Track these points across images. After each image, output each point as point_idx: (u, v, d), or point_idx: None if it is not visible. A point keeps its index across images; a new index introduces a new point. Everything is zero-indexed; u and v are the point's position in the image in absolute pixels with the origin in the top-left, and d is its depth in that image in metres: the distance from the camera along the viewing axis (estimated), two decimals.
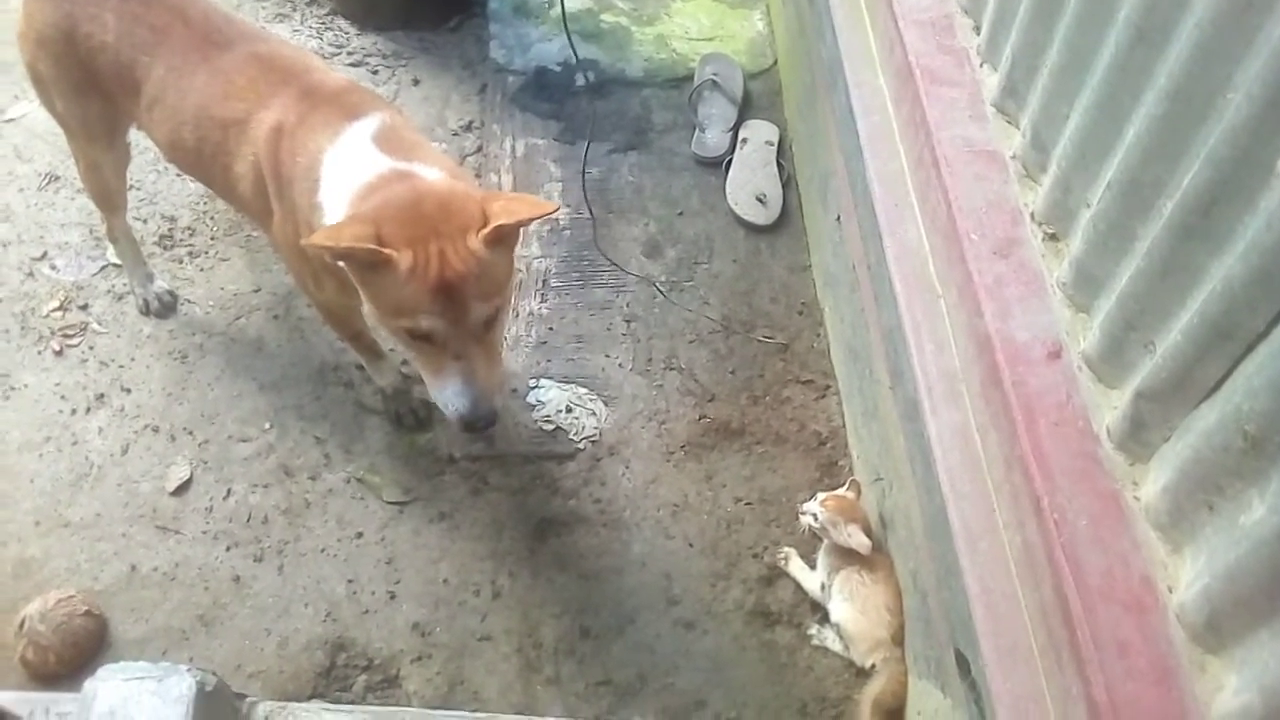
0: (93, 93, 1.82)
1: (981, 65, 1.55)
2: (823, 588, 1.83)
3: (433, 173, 1.46)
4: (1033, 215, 1.37)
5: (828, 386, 2.15)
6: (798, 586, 1.89)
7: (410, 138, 1.58)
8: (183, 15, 1.73)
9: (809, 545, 1.91)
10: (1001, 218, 1.39)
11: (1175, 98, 1.06)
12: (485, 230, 1.35)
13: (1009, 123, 1.47)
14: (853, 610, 1.74)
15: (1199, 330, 1.00)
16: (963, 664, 1.32)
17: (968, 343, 1.35)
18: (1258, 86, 0.91)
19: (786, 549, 1.92)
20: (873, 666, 1.73)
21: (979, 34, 1.56)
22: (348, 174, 1.47)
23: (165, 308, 2.27)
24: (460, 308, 1.38)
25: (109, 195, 2.12)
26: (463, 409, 1.45)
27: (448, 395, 1.46)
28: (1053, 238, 1.35)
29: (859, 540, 1.71)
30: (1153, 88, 1.09)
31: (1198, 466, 1.02)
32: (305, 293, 1.93)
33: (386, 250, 1.31)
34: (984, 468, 1.30)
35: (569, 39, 2.47)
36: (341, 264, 1.41)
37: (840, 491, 1.84)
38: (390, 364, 2.08)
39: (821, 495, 1.84)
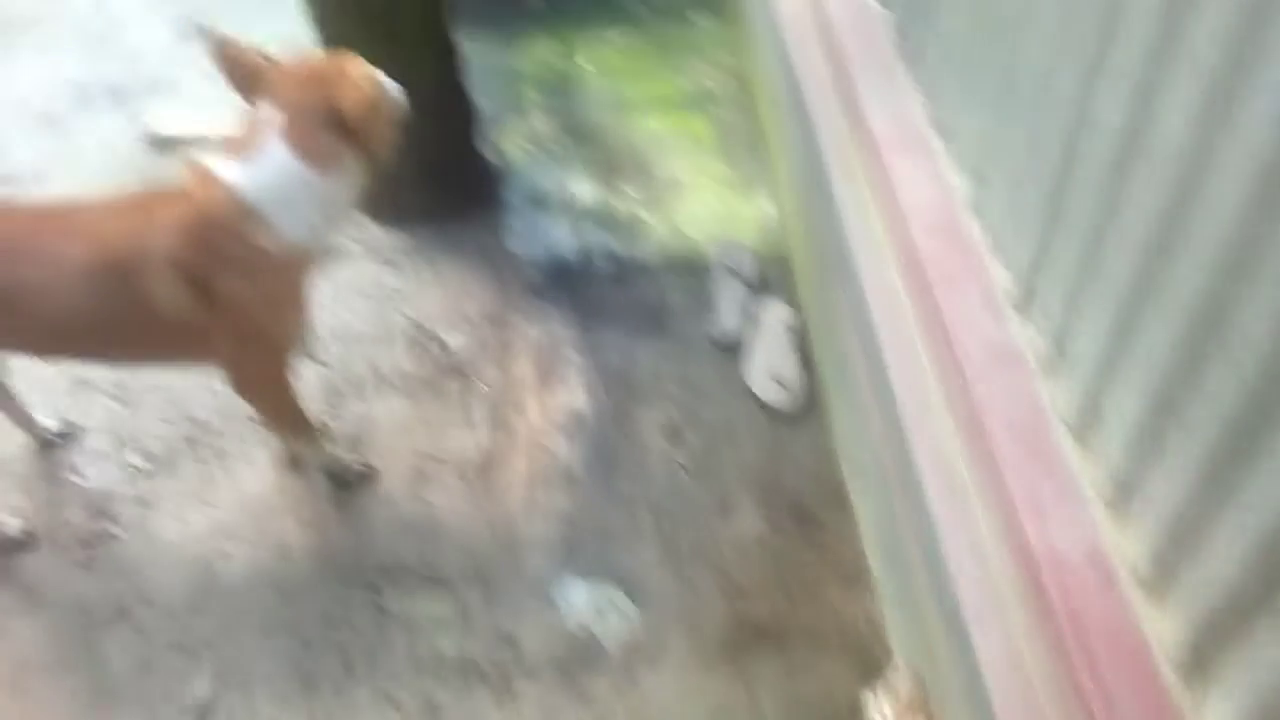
0: None
1: (994, 262, 1.57)
2: None
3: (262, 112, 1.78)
4: (1061, 417, 1.36)
5: (863, 579, 2.09)
6: None
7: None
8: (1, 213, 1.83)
9: None
10: (1030, 420, 1.37)
11: (1198, 313, 1.05)
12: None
13: (1028, 322, 1.48)
14: None
15: (1252, 554, 0.97)
16: None
17: (1006, 553, 1.31)
18: None
19: None
20: None
21: (988, 233, 1.60)
22: (267, 177, 1.74)
23: (25, 544, 2.21)
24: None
25: None
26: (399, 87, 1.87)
27: (389, 85, 1.85)
28: (1084, 441, 1.33)
29: None
30: (1175, 301, 1.10)
31: (1275, 694, 0.97)
32: (261, 388, 2.07)
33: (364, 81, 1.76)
34: (1035, 688, 1.24)
35: (579, 230, 2.54)
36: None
37: (901, 689, 1.75)
38: (321, 441, 2.28)
39: (883, 693, 1.75)
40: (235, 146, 1.77)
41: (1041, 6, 1.31)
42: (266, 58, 1.78)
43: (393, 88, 1.85)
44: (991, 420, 1.38)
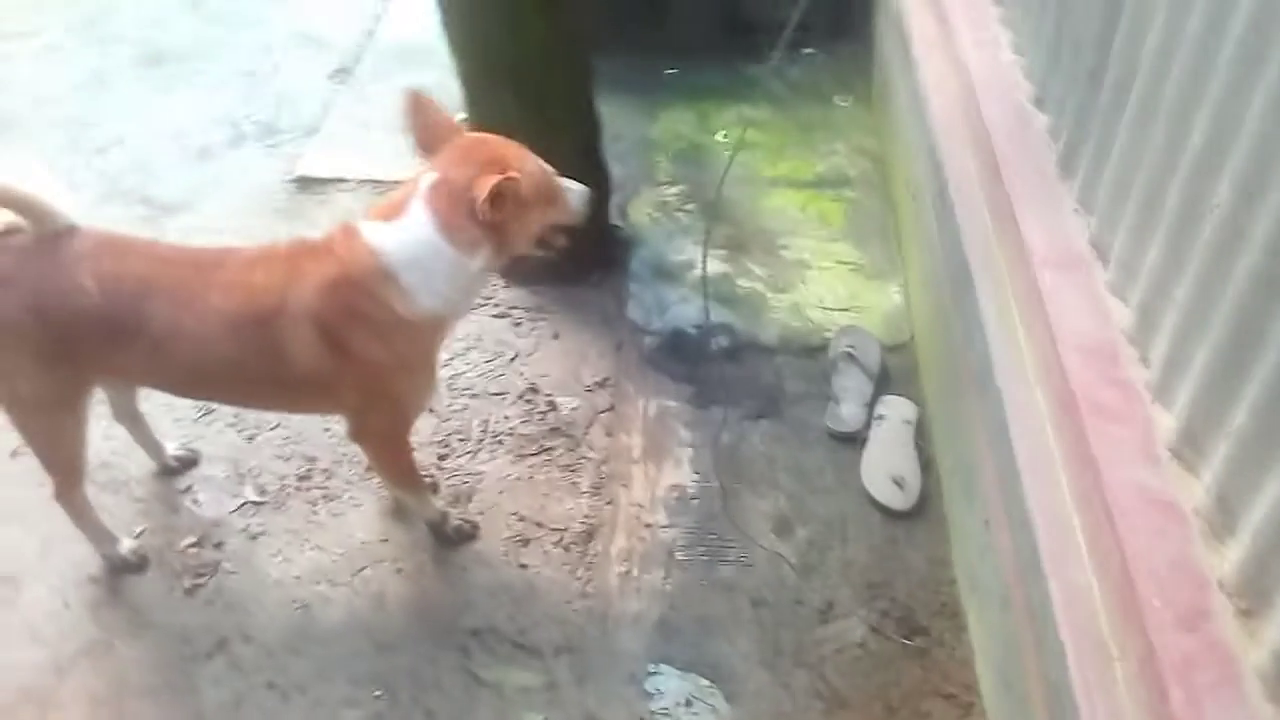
0: (61, 361, 1.84)
1: (1153, 402, 1.48)
2: None
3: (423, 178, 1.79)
4: (1221, 584, 1.26)
5: (971, 704, 1.98)
6: None
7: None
8: (159, 257, 1.86)
9: None
10: (1185, 582, 1.28)
11: None
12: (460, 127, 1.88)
13: (1188, 471, 1.38)
14: None
15: None
16: None
17: None
18: None
19: None
20: None
21: (1150, 371, 1.51)
22: (410, 246, 1.75)
23: (138, 566, 2.26)
24: (534, 153, 1.85)
25: (72, 464, 2.08)
26: (581, 187, 1.92)
27: (575, 196, 1.91)
28: (1246, 614, 1.23)
29: None
30: None
31: None
32: (378, 441, 2.09)
33: (511, 173, 1.70)
34: None
35: (701, 304, 2.51)
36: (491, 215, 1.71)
37: None
38: (429, 495, 2.30)
39: None
40: (387, 208, 1.81)
41: (1237, 147, 1.24)
42: (453, 125, 1.83)
43: (577, 192, 1.88)
44: (1142, 578, 1.29)
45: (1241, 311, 1.24)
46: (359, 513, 2.40)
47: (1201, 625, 1.23)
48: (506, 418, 2.60)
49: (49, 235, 1.79)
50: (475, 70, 2.58)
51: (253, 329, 1.79)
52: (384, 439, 2.08)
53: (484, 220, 1.71)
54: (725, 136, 3.39)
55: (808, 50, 3.70)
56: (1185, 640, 1.22)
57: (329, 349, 1.80)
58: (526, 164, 1.78)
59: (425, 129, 1.82)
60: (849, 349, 2.63)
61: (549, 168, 1.85)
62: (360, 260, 1.76)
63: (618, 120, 3.35)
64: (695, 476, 2.44)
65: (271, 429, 2.58)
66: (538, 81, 2.51)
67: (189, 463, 2.48)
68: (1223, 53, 1.29)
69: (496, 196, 1.67)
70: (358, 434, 2.07)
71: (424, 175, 1.79)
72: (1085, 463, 1.46)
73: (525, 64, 2.48)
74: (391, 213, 1.79)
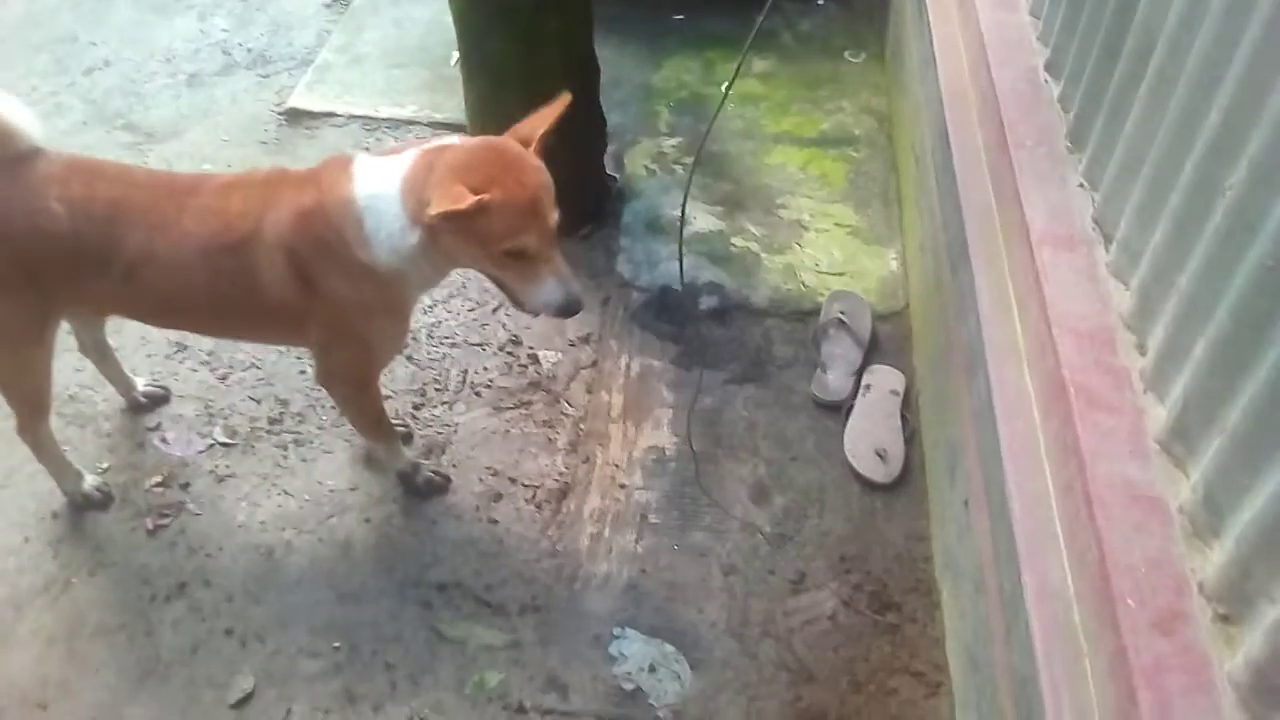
0: (26, 289, 1.77)
1: (1145, 392, 1.41)
2: None
3: (447, 140, 1.70)
4: (1201, 587, 1.20)
5: (940, 684, 1.94)
6: None
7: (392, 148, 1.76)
8: (131, 181, 1.79)
9: None
10: (1163, 582, 1.22)
11: None
12: (534, 145, 1.66)
13: (1176, 467, 1.32)
14: None
15: None
16: None
17: None
18: None
19: None
20: None
21: (1144, 356, 1.44)
22: (379, 187, 1.67)
23: (101, 503, 2.22)
24: (543, 219, 1.63)
25: (36, 397, 2.01)
26: (563, 298, 1.69)
27: (547, 293, 1.69)
28: (1225, 620, 1.17)
29: None
30: None
31: None
32: (344, 385, 2.04)
33: (486, 197, 1.54)
34: None
35: (692, 261, 2.43)
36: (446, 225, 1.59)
37: None
38: (400, 445, 2.24)
39: None
40: (392, 150, 1.74)
41: (1258, 129, 1.15)
42: (533, 136, 1.68)
43: (552, 293, 1.68)
44: (1119, 575, 1.23)
45: (1246, 303, 1.16)
46: (329, 459, 2.35)
47: (1177, 628, 1.18)
48: (486, 369, 2.54)
49: (12, 158, 1.71)
50: (469, 7, 2.47)
51: (227, 255, 1.73)
52: (350, 383, 2.02)
53: (426, 214, 1.58)
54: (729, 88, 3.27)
55: (820, 1, 3.58)
56: (1159, 642, 1.16)
57: (297, 280, 1.74)
58: (505, 211, 1.58)
59: (527, 122, 1.71)
60: (840, 315, 2.56)
61: (536, 244, 1.63)
62: (338, 192, 1.69)
63: (619, 65, 3.25)
64: (674, 439, 2.39)
65: (245, 369, 2.52)
66: (532, 22, 2.40)
67: (159, 399, 2.42)
68: (1249, 29, 1.20)
69: (442, 214, 1.54)
70: (324, 376, 2.02)
71: (445, 138, 1.72)
72: (1070, 451, 1.39)
73: (520, 3, 2.37)
74: (390, 153, 1.73)
